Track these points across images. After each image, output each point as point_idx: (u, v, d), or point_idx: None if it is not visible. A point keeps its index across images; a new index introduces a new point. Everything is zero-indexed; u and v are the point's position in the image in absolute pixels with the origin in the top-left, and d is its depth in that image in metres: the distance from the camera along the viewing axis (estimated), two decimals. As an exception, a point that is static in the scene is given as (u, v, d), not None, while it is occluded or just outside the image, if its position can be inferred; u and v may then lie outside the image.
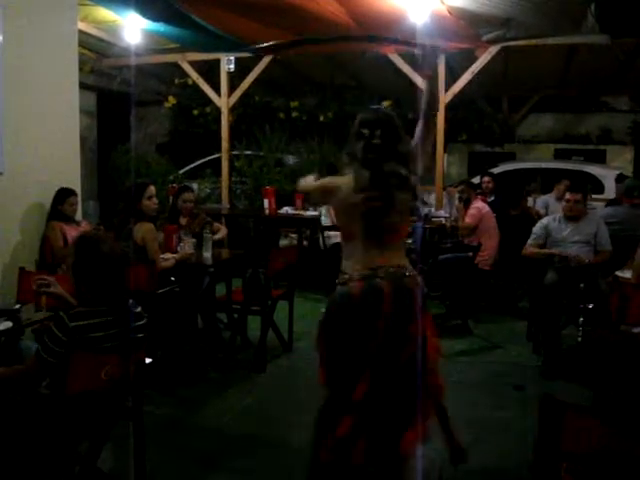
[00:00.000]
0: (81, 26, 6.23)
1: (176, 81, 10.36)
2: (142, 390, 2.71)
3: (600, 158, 10.76)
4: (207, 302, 4.90)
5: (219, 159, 8.68)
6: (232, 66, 8.08)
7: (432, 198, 7.88)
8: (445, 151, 8.49)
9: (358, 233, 2.53)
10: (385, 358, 2.42)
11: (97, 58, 8.67)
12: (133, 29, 6.81)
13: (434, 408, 2.57)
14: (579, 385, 4.11)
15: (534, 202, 7.75)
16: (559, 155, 11.12)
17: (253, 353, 4.78)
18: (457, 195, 6.59)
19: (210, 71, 8.79)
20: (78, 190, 5.06)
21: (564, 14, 6.02)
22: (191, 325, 4.78)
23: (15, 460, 2.39)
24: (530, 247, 5.05)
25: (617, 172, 9.00)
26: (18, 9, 4.56)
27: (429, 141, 2.74)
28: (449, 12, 5.82)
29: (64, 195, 4.85)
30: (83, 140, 5.56)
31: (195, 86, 8.83)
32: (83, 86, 6.07)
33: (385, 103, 9.89)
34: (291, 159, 9.45)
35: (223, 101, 8.32)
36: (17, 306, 3.24)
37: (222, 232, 5.45)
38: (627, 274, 4.21)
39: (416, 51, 3.48)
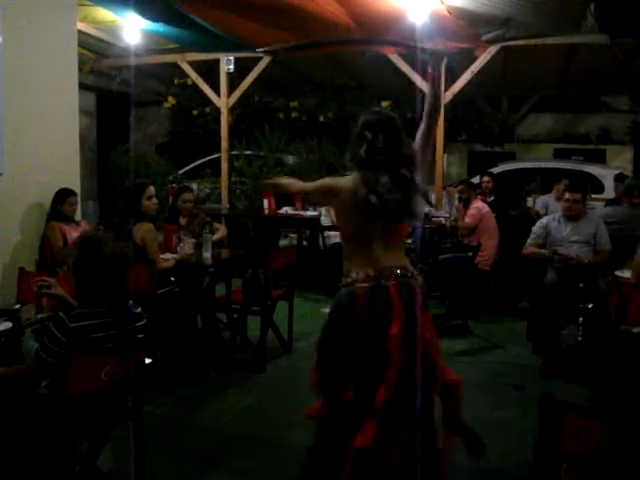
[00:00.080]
0: (80, 26, 6.22)
1: (175, 81, 10.36)
2: (142, 390, 2.70)
3: (600, 158, 10.76)
4: (207, 302, 4.90)
5: (219, 159, 8.68)
6: (231, 66, 8.08)
7: (432, 198, 7.88)
8: (445, 151, 8.49)
9: (361, 234, 2.53)
10: (405, 361, 2.41)
11: (97, 58, 8.67)
12: (132, 29, 6.80)
13: (454, 404, 2.58)
14: (579, 385, 4.11)
15: (534, 202, 7.74)
16: (559, 155, 11.12)
17: (253, 353, 4.78)
18: (457, 195, 6.59)
19: (209, 71, 8.79)
20: (78, 190, 5.06)
21: (563, 14, 6.02)
22: (191, 325, 4.78)
23: (15, 460, 2.39)
24: (530, 247, 5.05)
25: (617, 172, 9.01)
26: (18, 9, 4.56)
27: (430, 143, 2.75)
28: (448, 12, 5.82)
29: (64, 195, 4.85)
30: (83, 140, 5.56)
31: (194, 86, 8.83)
32: (83, 86, 6.08)
33: (384, 103, 9.90)
34: (291, 159, 9.46)
35: (223, 101, 8.32)
36: (17, 306, 3.24)
37: (222, 232, 5.45)
38: (627, 274, 4.21)
39: (420, 54, 3.49)
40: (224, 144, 8.41)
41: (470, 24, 6.33)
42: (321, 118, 10.45)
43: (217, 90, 8.35)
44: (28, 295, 3.36)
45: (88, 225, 5.21)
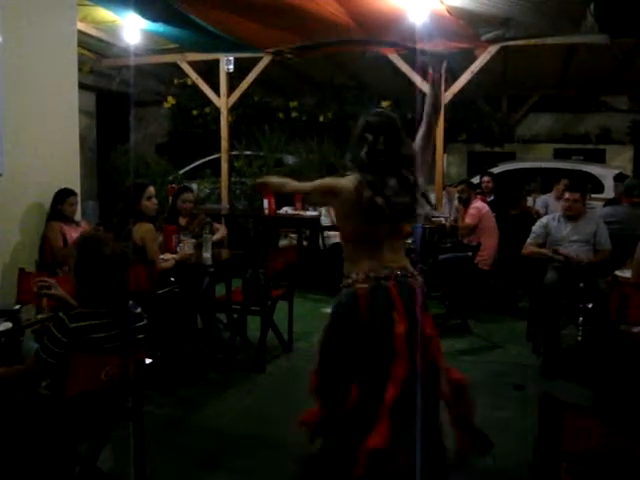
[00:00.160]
0: (80, 26, 6.22)
1: (175, 81, 10.36)
2: (142, 390, 2.70)
3: (599, 158, 10.76)
4: (207, 302, 4.90)
5: (218, 159, 8.68)
6: (231, 66, 8.08)
7: (432, 198, 7.88)
8: (445, 151, 8.49)
9: (361, 235, 2.53)
10: (410, 361, 2.41)
11: (96, 58, 8.66)
12: (132, 29, 6.80)
13: (464, 403, 2.58)
14: (579, 385, 4.11)
15: (534, 202, 7.75)
16: (558, 155, 11.12)
17: (253, 353, 4.77)
18: (457, 195, 6.59)
19: (209, 71, 8.79)
20: (78, 190, 5.06)
21: (563, 14, 6.02)
22: (191, 325, 4.78)
23: (15, 460, 2.39)
24: (530, 246, 5.05)
25: (616, 171, 9.01)
26: (17, 9, 4.56)
27: (430, 143, 2.76)
28: (448, 12, 5.82)
29: (64, 195, 4.85)
30: (82, 140, 5.56)
31: (194, 86, 8.83)
32: (82, 86, 6.07)
33: (384, 103, 9.90)
34: (290, 159, 9.46)
35: (222, 101, 8.32)
36: (17, 307, 3.24)
37: (221, 232, 5.45)
38: (627, 273, 4.20)
39: (421, 56, 3.51)
40: (224, 144, 8.41)
41: (470, 24, 6.33)
42: (321, 118, 10.45)
43: (217, 90, 8.35)
44: (28, 295, 3.36)
45: (88, 225, 5.21)
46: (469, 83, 7.32)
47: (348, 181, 2.54)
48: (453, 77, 7.43)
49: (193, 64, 8.43)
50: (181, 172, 9.60)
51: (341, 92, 10.68)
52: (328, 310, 2.66)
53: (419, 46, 4.48)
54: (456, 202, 6.56)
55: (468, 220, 6.16)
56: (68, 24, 5.18)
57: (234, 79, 8.40)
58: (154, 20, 6.34)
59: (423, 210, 2.69)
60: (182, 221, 5.24)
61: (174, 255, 4.60)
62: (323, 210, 7.07)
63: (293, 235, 7.89)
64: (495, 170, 8.81)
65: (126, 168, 8.79)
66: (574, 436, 1.71)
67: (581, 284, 4.63)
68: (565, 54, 8.05)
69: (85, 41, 7.26)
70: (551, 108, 11.71)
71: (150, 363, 2.80)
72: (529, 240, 5.08)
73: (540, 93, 11.21)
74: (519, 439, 3.23)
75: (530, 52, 7.40)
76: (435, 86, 2.74)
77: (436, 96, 2.75)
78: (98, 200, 9.58)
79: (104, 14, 6.74)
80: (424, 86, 2.83)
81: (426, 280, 2.71)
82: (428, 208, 6.05)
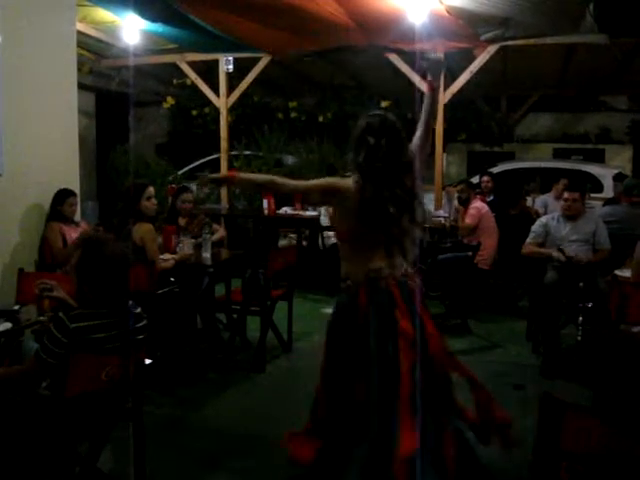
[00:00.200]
0: (80, 27, 6.22)
1: (175, 81, 10.36)
2: (142, 391, 2.71)
3: (599, 157, 10.77)
4: (206, 302, 4.90)
5: (218, 159, 8.68)
6: (231, 66, 8.08)
7: (431, 198, 7.88)
8: (444, 151, 8.49)
9: (359, 236, 2.53)
10: (417, 356, 2.41)
11: (96, 59, 8.67)
12: (132, 30, 6.80)
13: (484, 394, 2.59)
14: (579, 384, 4.11)
15: (533, 201, 7.75)
16: (558, 154, 11.13)
17: (252, 353, 4.77)
18: (456, 195, 6.59)
19: (209, 71, 8.79)
20: (77, 191, 5.06)
21: (563, 14, 6.02)
22: (190, 325, 4.78)
23: (15, 461, 2.39)
24: (529, 246, 5.05)
25: (616, 171, 9.01)
26: (17, 10, 4.55)
27: (428, 143, 2.78)
28: (448, 12, 5.82)
29: (63, 196, 4.84)
30: (82, 141, 5.55)
31: (194, 86, 8.83)
32: (82, 87, 6.07)
33: (384, 103, 9.90)
34: (290, 159, 9.46)
35: (222, 101, 8.32)
36: (16, 307, 3.24)
37: (220, 233, 5.45)
38: (626, 273, 4.20)
39: (420, 61, 3.52)
40: (223, 144, 8.41)
41: (469, 24, 6.33)
42: (320, 118, 10.45)
43: (216, 90, 8.35)
44: (28, 296, 3.36)
45: (88, 226, 5.20)
46: (468, 83, 7.32)
47: (348, 182, 2.54)
48: (452, 77, 7.44)
49: (192, 64, 8.43)
50: (180, 172, 9.59)
51: (341, 92, 10.68)
52: (328, 310, 2.66)
53: (418, 46, 4.49)
54: (456, 202, 6.55)
55: (468, 220, 6.16)
56: (67, 24, 5.18)
57: (233, 79, 8.40)
58: (153, 20, 6.34)
59: (420, 217, 2.69)
60: (182, 221, 5.23)
61: (174, 255, 4.60)
62: (323, 210, 7.07)
63: (293, 235, 7.89)
64: (494, 170, 8.81)
65: (125, 168, 8.79)
66: (574, 436, 1.71)
67: (581, 284, 4.63)
68: (564, 54, 8.05)
69: (84, 41, 7.27)
70: (550, 108, 11.72)
71: (150, 363, 2.80)
72: (529, 240, 5.08)
73: (539, 93, 11.22)
74: (519, 439, 3.22)
75: (529, 52, 7.40)
76: (432, 93, 2.78)
77: (434, 100, 2.80)
78: (98, 200, 9.58)
79: (103, 14, 6.74)
80: (423, 86, 2.86)
81: (426, 280, 2.73)
82: (425, 214, 6.05)
